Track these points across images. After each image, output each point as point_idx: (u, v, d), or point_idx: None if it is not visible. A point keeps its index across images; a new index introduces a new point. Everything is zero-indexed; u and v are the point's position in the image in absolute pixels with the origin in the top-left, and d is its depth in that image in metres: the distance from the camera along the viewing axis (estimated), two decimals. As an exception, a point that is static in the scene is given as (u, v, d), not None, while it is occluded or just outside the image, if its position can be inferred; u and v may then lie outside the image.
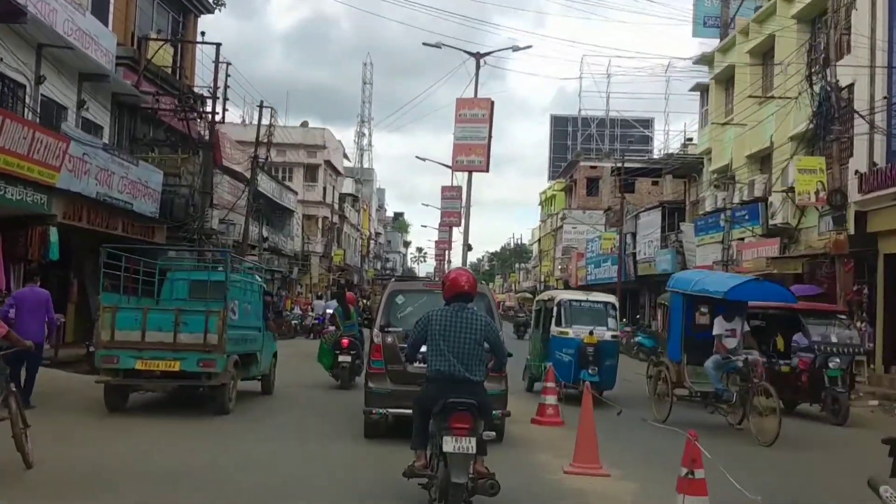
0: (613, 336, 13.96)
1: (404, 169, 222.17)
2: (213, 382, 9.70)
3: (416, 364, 6.85)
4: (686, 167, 35.51)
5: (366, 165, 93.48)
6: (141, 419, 9.88)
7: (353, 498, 6.81)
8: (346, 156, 75.93)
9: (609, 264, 40.45)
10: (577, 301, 14.44)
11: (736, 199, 25.11)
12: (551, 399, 11.13)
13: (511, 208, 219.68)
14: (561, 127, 76.30)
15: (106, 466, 7.35)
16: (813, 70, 16.98)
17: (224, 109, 24.93)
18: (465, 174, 24.63)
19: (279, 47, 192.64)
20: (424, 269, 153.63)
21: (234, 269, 11.73)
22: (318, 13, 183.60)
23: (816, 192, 16.50)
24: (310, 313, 29.43)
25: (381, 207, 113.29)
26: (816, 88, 16.83)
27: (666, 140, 63.41)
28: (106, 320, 9.41)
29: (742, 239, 24.68)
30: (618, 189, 58.56)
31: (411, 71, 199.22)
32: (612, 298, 15.24)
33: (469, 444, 5.49)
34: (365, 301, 36.72)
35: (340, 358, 14.63)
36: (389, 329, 9.30)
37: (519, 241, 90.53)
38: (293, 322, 28.89)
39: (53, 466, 7.14)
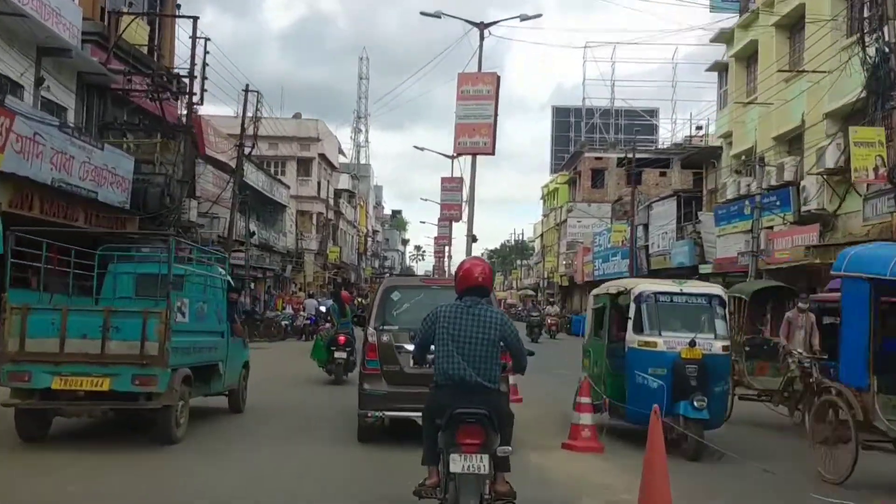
0: (725, 348, 9.16)
1: (402, 167, 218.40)
2: (154, 405, 7.51)
3: (426, 366, 5.53)
4: (702, 155, 33.43)
5: (363, 162, 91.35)
6: (66, 451, 7.74)
7: None
8: (342, 152, 73.81)
9: (619, 258, 38.37)
10: (666, 295, 9.39)
11: (763, 185, 22.96)
12: (586, 418, 8.72)
13: (510, 205, 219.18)
14: (563, 118, 74.19)
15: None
16: (865, 30, 14.83)
17: (202, 90, 22.77)
18: (468, 159, 21.49)
19: (275, 46, 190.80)
20: (423, 267, 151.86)
21: (185, 259, 9.57)
22: (315, 11, 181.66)
23: (875, 168, 14.36)
24: (301, 313, 27.29)
25: (378, 204, 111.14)
26: (870, 51, 14.70)
27: (673, 129, 61.18)
28: (14, 325, 7.21)
29: (771, 227, 22.55)
30: (624, 180, 56.63)
31: (408, 67, 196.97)
32: (718, 290, 9.98)
33: (480, 463, 4.76)
34: (361, 300, 34.93)
35: (336, 354, 14.93)
36: (385, 328, 8.60)
37: (520, 238, 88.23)
38: (283, 323, 26.76)
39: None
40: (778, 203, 21.92)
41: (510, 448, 5.02)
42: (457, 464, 4.77)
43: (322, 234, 49.86)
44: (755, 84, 25.65)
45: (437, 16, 23.42)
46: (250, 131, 27.96)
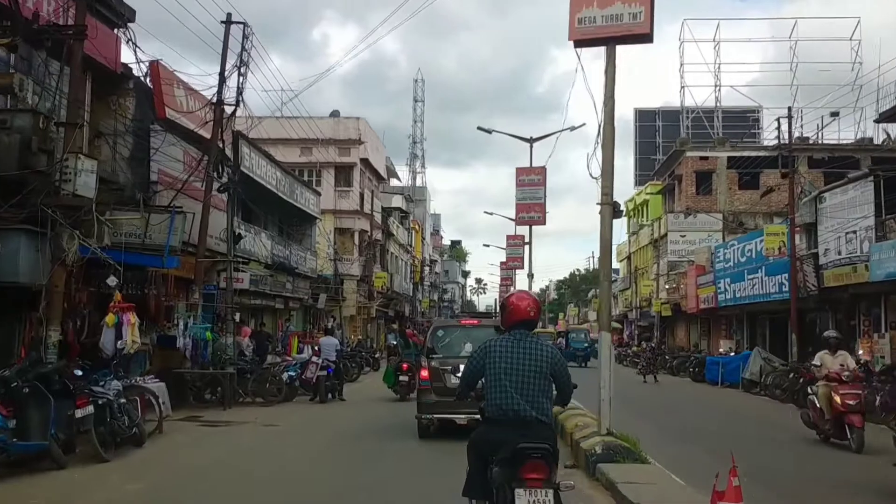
0: None
1: (462, 203, 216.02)
2: None
3: (467, 400, 5.68)
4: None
5: (421, 199, 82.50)
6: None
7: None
8: (394, 174, 65.00)
9: (762, 275, 27.89)
10: None
11: None
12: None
13: (569, 237, 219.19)
14: (647, 122, 63.93)
15: None
16: None
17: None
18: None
19: (336, 88, 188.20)
20: (483, 301, 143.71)
21: None
22: (377, 53, 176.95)
23: None
24: (314, 359, 17.75)
25: (436, 232, 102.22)
26: None
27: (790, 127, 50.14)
28: None
29: None
30: (737, 185, 46.06)
31: (466, 106, 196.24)
32: None
33: (546, 498, 4.75)
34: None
35: (400, 378, 18.58)
36: (433, 356, 12.26)
37: (595, 265, 77.83)
38: (287, 376, 17.23)
39: None
40: None
41: (573, 483, 5.42)
42: (522, 499, 4.74)
43: (366, 255, 40.51)
44: None
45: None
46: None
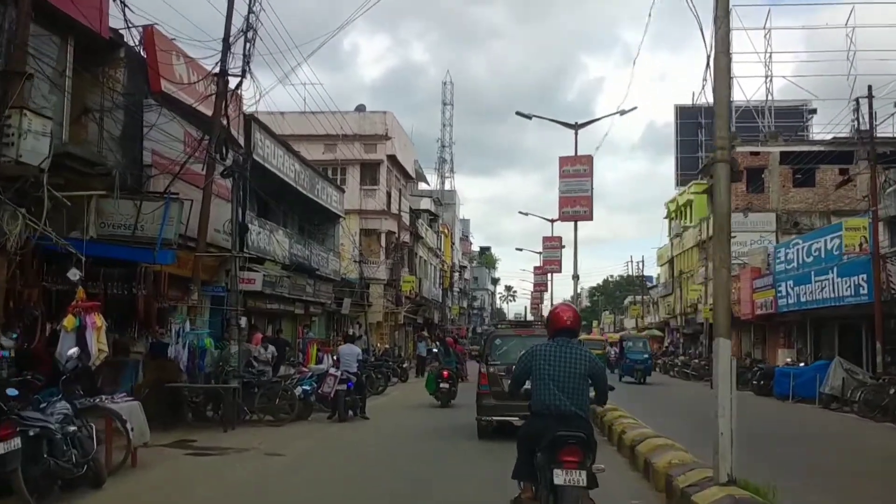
0: None
1: (491, 212, 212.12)
2: None
3: (518, 399, 6.52)
4: None
5: (450, 203, 79.96)
6: None
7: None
8: (423, 177, 62.60)
9: (833, 276, 24.86)
10: None
11: None
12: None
13: (596, 245, 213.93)
14: (689, 119, 60.72)
15: None
16: None
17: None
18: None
19: (365, 96, 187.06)
20: (513, 308, 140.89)
21: None
22: (405, 61, 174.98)
23: None
24: (333, 371, 15.23)
25: (465, 238, 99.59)
26: None
27: (870, 109, 46.94)
28: None
29: None
30: (791, 181, 42.92)
31: (496, 114, 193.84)
32: None
33: (580, 477, 5.53)
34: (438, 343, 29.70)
35: (441, 385, 19.00)
36: (491, 363, 13.38)
37: (639, 269, 74.21)
38: (301, 390, 14.74)
39: None
40: None
41: (603, 466, 6.03)
42: (559, 477, 5.53)
43: (393, 258, 38.04)
44: None
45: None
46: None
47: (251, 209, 21.74)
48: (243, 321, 14.64)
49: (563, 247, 41.57)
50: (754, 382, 25.77)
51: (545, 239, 43.19)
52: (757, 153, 41.96)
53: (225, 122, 15.09)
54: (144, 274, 13.43)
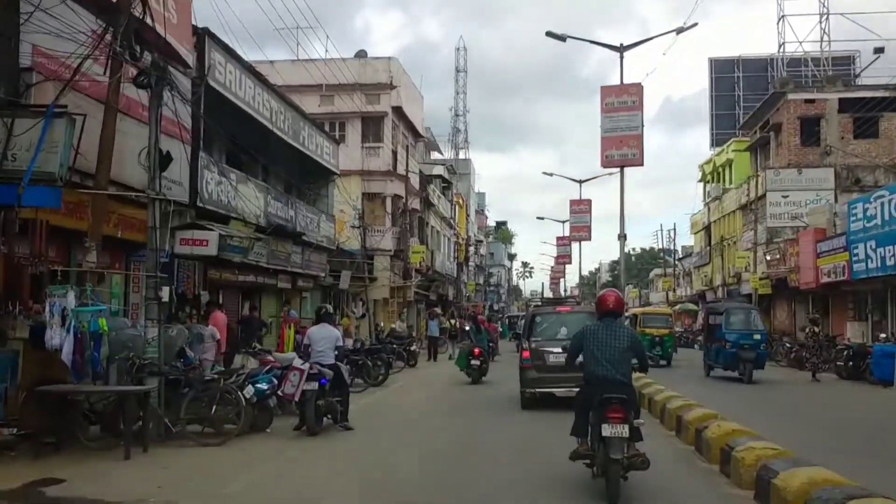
0: None
1: (507, 188, 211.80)
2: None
3: (575, 366, 7.65)
4: None
5: (465, 173, 75.06)
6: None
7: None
8: (438, 148, 57.78)
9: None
10: None
11: None
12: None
13: (611, 222, 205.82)
14: (725, 73, 55.44)
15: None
16: None
17: None
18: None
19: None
20: (530, 285, 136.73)
21: None
22: (420, 39, 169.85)
23: None
24: (298, 364, 10.64)
25: (480, 211, 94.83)
26: None
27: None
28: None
29: None
30: (851, 132, 37.82)
31: (511, 90, 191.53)
32: None
33: (623, 430, 6.87)
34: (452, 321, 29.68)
35: (472, 362, 19.15)
36: (533, 338, 14.06)
37: (670, 238, 68.97)
38: (253, 391, 10.23)
39: None
40: None
41: (642, 420, 7.37)
42: (607, 430, 6.88)
43: (401, 225, 33.44)
44: None
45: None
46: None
47: (215, 155, 17.20)
48: (165, 292, 10.06)
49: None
50: (840, 363, 21.07)
51: (572, 203, 42.64)
52: (812, 101, 36.85)
53: (141, 8, 10.45)
54: (5, 221, 8.94)
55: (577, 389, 7.63)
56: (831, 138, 36.46)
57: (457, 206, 61.64)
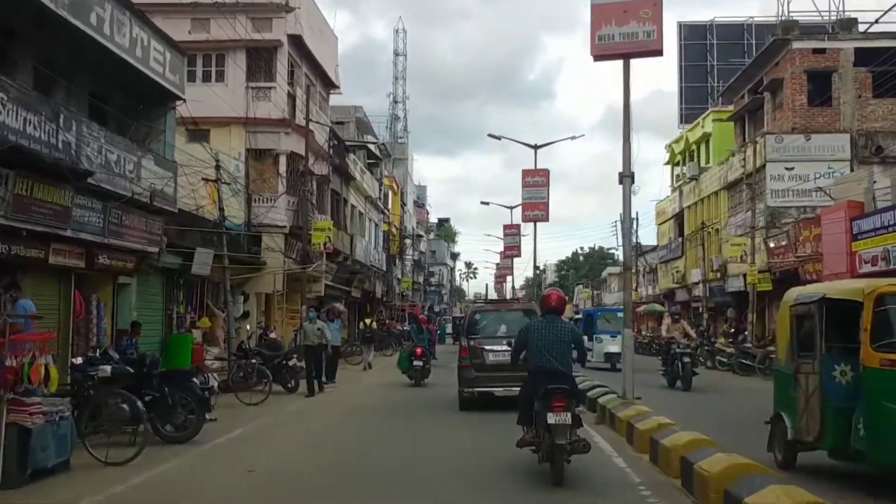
0: None
1: (452, 192, 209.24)
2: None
3: (519, 363, 8.48)
4: None
5: (402, 158, 66.87)
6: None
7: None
8: (372, 132, 49.28)
9: None
10: None
11: None
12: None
13: (561, 225, 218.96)
14: (695, 40, 48.38)
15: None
16: None
17: None
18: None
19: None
20: (474, 286, 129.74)
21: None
22: (368, 39, 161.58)
23: None
24: None
25: (421, 205, 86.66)
26: None
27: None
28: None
29: None
30: (870, 89, 30.77)
31: (460, 93, 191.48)
32: None
33: (566, 418, 7.45)
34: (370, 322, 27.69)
35: (415, 363, 18.72)
36: (472, 336, 13.97)
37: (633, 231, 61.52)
38: None
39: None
40: None
41: (583, 407, 9.76)
42: (552, 418, 7.42)
43: (301, 193, 24.89)
44: None
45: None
46: None
47: None
48: None
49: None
50: None
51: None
52: (822, 51, 29.67)
53: None
54: None
55: (518, 389, 8.57)
56: (846, 97, 29.35)
57: (389, 191, 53.32)
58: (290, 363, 16.14)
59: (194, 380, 9.95)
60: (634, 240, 59.47)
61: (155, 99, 16.54)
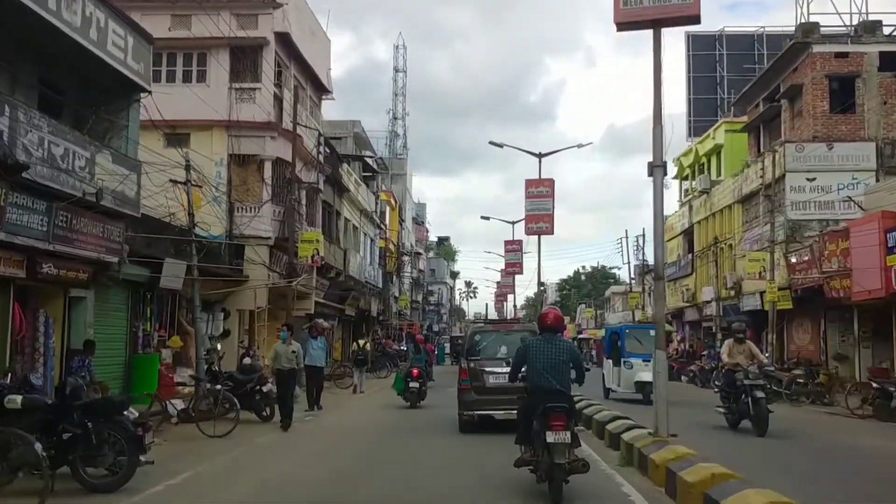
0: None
1: (452, 212, 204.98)
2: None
3: (518, 383, 8.47)
4: None
5: (400, 174, 65.30)
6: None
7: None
8: (370, 146, 47.64)
9: None
10: None
11: None
12: None
13: (560, 245, 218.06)
14: (704, 50, 46.77)
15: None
16: None
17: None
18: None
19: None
20: (474, 305, 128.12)
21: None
22: (369, 61, 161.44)
23: None
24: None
25: (420, 223, 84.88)
26: None
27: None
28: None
29: None
30: (894, 96, 29.04)
31: (459, 114, 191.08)
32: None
33: (566, 436, 7.36)
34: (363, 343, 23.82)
35: (411, 384, 18.17)
36: (472, 358, 13.52)
37: (637, 247, 59.25)
38: None
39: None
40: None
41: (582, 427, 9.50)
42: (551, 437, 7.32)
43: (287, 202, 23.05)
44: None
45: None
46: None
47: None
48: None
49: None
50: None
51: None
52: (844, 54, 27.96)
53: None
54: None
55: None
56: (870, 103, 27.61)
57: (387, 207, 51.54)
58: (265, 389, 14.17)
59: (126, 413, 8.01)
60: (640, 257, 57.82)
61: (117, 91, 14.73)
